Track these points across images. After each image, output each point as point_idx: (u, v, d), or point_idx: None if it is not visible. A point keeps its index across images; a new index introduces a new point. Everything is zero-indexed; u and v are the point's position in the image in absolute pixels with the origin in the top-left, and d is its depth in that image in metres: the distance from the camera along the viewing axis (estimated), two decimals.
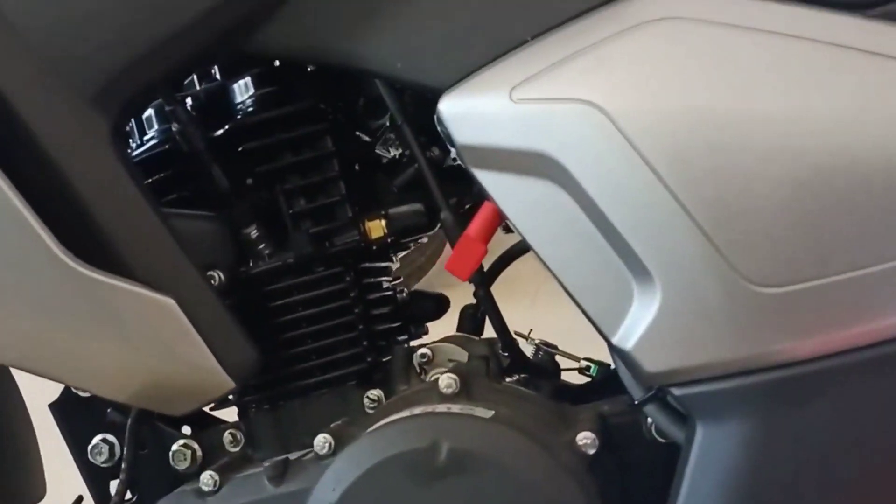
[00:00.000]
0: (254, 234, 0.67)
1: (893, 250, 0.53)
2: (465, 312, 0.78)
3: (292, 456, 0.64)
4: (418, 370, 0.70)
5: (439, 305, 0.78)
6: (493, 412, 0.59)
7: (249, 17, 0.60)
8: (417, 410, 0.59)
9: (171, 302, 0.58)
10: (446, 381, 0.61)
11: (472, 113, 0.57)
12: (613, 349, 0.56)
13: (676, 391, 0.55)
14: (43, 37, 0.58)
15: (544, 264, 0.58)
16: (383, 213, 0.69)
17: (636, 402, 0.58)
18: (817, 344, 0.53)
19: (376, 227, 0.69)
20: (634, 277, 0.55)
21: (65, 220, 0.58)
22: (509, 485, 0.56)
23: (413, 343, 0.74)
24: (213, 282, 0.65)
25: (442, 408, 0.59)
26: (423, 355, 0.70)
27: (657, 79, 0.54)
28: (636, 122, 0.53)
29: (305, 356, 0.68)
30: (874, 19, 0.54)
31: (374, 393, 0.69)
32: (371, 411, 0.68)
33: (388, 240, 0.69)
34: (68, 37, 0.58)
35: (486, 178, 0.57)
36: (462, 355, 0.70)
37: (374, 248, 0.69)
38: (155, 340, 0.59)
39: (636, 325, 0.55)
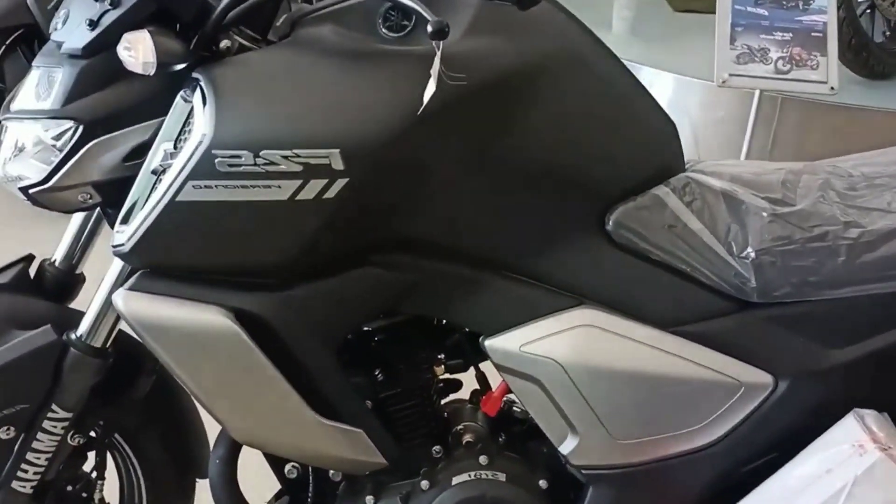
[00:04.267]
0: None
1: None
2: None
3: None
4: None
5: None
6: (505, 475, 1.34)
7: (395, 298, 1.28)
8: (469, 476, 1.33)
9: (361, 432, 1.29)
10: (483, 459, 1.35)
11: (500, 351, 1.29)
12: None
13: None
14: None
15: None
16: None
17: None
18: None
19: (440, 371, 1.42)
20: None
21: (305, 394, 1.26)
22: None
23: None
24: (369, 406, 1.36)
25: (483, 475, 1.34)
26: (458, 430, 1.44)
27: (585, 350, 1.26)
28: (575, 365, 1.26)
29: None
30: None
31: (437, 447, 1.42)
32: (437, 455, 1.41)
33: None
34: None
35: (507, 378, 1.29)
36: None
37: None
38: (351, 448, 1.30)
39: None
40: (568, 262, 1.27)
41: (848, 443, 1.16)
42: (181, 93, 1.21)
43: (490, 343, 1.29)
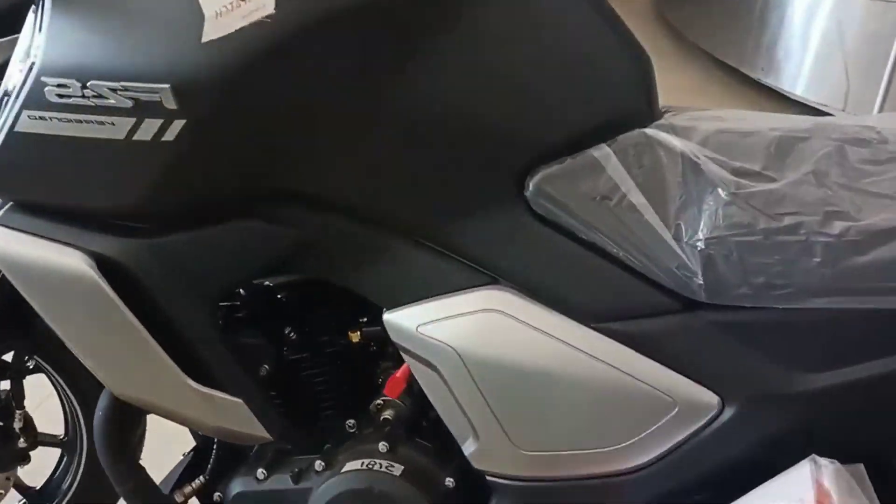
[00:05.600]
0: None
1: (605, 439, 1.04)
2: None
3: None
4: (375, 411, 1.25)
5: None
6: (403, 468, 1.15)
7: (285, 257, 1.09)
8: (361, 464, 1.15)
9: (241, 402, 1.13)
10: (382, 446, 1.16)
11: (396, 328, 1.08)
12: None
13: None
14: None
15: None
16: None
17: None
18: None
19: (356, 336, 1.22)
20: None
21: (180, 356, 1.11)
22: None
23: None
24: (263, 372, 1.20)
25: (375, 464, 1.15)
26: (377, 404, 1.25)
27: (487, 339, 1.03)
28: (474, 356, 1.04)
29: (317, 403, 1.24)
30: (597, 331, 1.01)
31: (351, 421, 1.25)
32: (351, 429, 1.24)
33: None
34: None
35: (407, 360, 1.09)
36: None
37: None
38: (232, 419, 1.15)
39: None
40: (481, 232, 1.03)
41: (788, 499, 0.89)
42: (33, 6, 1.04)
43: (388, 318, 1.08)
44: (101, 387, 1.42)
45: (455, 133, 0.99)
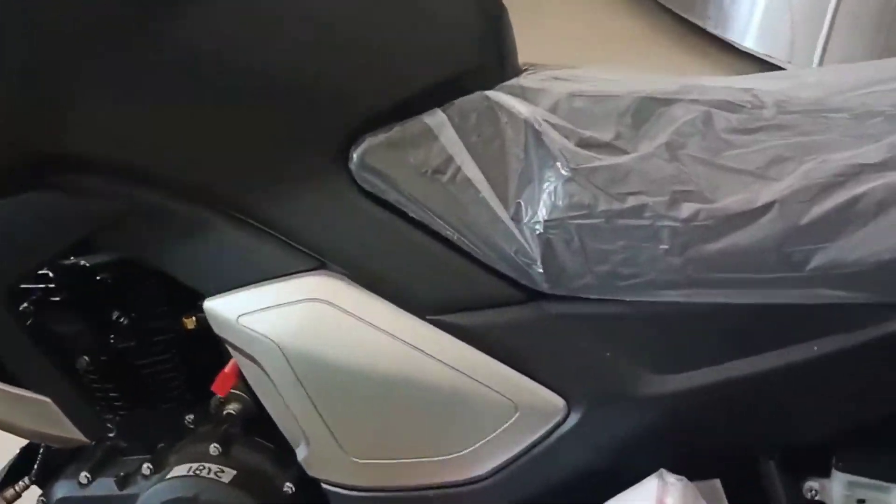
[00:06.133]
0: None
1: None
2: None
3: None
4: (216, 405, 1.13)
5: None
6: (235, 473, 1.03)
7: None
8: (188, 470, 1.03)
9: (48, 402, 1.01)
10: (213, 448, 1.04)
11: (216, 318, 0.95)
12: None
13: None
14: None
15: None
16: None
17: None
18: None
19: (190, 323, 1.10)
20: None
21: None
22: None
23: None
24: (81, 364, 1.07)
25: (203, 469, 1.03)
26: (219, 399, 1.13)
27: (311, 332, 0.91)
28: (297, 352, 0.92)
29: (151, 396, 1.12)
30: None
31: (189, 416, 1.13)
32: (190, 426, 1.12)
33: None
34: None
35: (232, 353, 0.96)
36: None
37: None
38: (42, 420, 1.02)
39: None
40: (303, 209, 0.90)
41: None
42: None
43: (208, 306, 0.95)
44: None
45: (261, 91, 0.85)
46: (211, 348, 1.14)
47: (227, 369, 1.02)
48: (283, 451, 1.06)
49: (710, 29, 3.56)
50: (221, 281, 0.95)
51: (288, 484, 1.04)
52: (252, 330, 0.93)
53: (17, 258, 0.97)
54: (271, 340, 0.92)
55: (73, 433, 1.03)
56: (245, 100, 0.87)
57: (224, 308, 0.94)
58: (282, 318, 0.91)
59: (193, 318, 1.08)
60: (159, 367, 1.11)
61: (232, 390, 1.10)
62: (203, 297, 1.06)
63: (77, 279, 1.07)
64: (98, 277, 1.07)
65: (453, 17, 0.88)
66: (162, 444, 1.10)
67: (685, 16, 3.72)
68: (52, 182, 0.92)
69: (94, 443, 1.06)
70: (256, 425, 1.09)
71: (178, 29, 0.82)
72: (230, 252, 0.94)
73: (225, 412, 1.08)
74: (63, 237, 0.96)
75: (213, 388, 1.04)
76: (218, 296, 0.95)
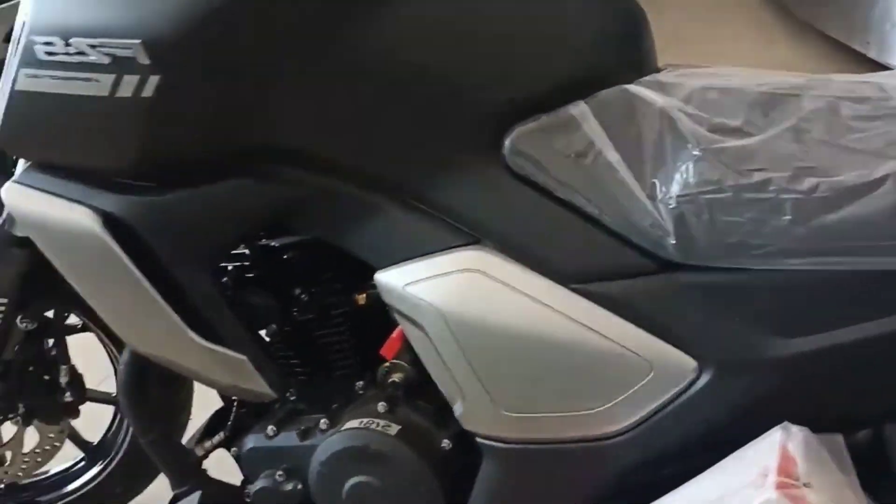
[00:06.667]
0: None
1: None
2: None
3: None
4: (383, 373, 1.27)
5: None
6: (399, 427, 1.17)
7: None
8: (359, 423, 1.17)
9: (245, 359, 1.18)
10: (381, 406, 1.18)
11: (385, 287, 1.10)
12: None
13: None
14: None
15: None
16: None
17: None
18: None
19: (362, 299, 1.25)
20: None
21: (186, 313, 1.16)
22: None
23: None
24: (270, 331, 1.24)
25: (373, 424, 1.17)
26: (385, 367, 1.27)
27: (468, 299, 1.03)
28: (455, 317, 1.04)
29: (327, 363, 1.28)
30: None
31: (359, 383, 1.27)
32: (360, 391, 1.27)
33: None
34: None
35: (398, 319, 1.10)
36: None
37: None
38: (239, 375, 1.19)
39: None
40: (462, 191, 1.03)
41: (756, 466, 0.86)
42: None
43: (379, 277, 1.10)
44: None
45: (428, 87, 1.00)
46: (377, 322, 1.29)
47: (393, 335, 1.17)
48: (441, 412, 1.19)
49: (872, 55, 3.49)
50: (391, 255, 1.09)
51: (445, 440, 1.17)
52: (416, 297, 1.06)
53: (217, 236, 1.15)
54: (433, 305, 1.05)
55: (263, 388, 1.20)
56: (413, 98, 1.01)
57: (392, 279, 1.09)
58: (442, 286, 1.05)
59: (364, 295, 1.24)
60: (334, 339, 1.27)
61: (396, 361, 1.25)
62: (372, 276, 1.23)
63: (267, 258, 1.25)
64: (285, 257, 1.24)
65: (597, 18, 0.99)
66: (336, 405, 1.25)
67: (844, 41, 3.65)
68: (250, 170, 1.10)
69: (277, 399, 1.23)
70: (418, 390, 1.23)
71: (369, 33, 0.98)
72: (399, 230, 1.08)
73: (390, 380, 1.23)
74: (255, 219, 1.14)
75: (382, 351, 1.18)
76: (387, 268, 1.10)
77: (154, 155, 1.07)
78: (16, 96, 1.07)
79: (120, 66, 0.99)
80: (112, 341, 1.54)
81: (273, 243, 1.24)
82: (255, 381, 1.19)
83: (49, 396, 1.51)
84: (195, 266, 1.14)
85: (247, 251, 1.24)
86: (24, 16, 1.04)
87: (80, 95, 1.03)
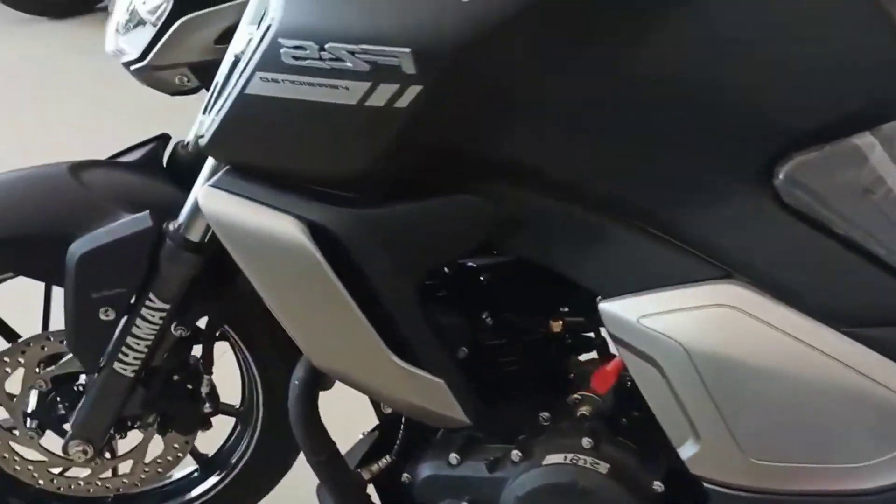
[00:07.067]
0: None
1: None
2: None
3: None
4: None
5: None
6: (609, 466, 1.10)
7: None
8: (564, 458, 1.10)
9: (442, 383, 1.11)
10: (586, 442, 1.11)
11: (614, 318, 1.03)
12: None
13: None
14: None
15: None
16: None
17: None
18: None
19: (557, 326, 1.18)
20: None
21: (383, 331, 1.09)
22: None
23: None
24: (461, 354, 1.16)
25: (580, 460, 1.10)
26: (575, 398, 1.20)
27: (719, 335, 0.97)
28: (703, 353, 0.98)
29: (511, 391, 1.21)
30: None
31: (545, 414, 1.20)
32: (545, 422, 1.19)
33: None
34: None
35: (622, 353, 1.03)
36: None
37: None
38: (432, 399, 1.12)
39: None
40: (717, 222, 0.96)
41: None
42: None
43: (605, 307, 1.03)
44: (283, 361, 1.44)
45: (695, 113, 0.93)
46: (564, 351, 1.23)
47: (608, 367, 1.10)
48: (648, 450, 1.13)
49: None
50: (621, 284, 1.02)
51: (657, 482, 1.10)
52: (654, 330, 0.99)
53: (432, 253, 1.08)
54: (675, 341, 0.98)
55: (458, 414, 1.12)
56: (678, 124, 0.94)
57: (624, 309, 1.01)
58: (688, 321, 0.98)
59: (560, 322, 1.17)
60: (522, 366, 1.20)
61: (587, 393, 1.18)
62: (569, 302, 1.16)
63: (464, 278, 1.17)
64: (481, 278, 1.17)
65: (883, 47, 0.93)
66: (524, 436, 1.18)
67: None
68: (475, 185, 1.03)
69: (469, 425, 1.15)
70: (616, 426, 1.16)
71: (635, 67, 0.91)
72: (634, 258, 1.01)
73: (579, 412, 1.16)
74: (475, 236, 1.06)
75: (594, 383, 1.11)
76: (616, 298, 1.02)
77: (388, 166, 1.00)
78: (244, 100, 1.00)
79: (379, 74, 0.92)
80: (255, 359, 1.47)
81: (469, 262, 1.17)
82: (451, 407, 1.12)
83: (190, 406, 1.43)
84: (402, 283, 1.07)
85: (446, 269, 1.17)
86: (270, 19, 0.97)
87: (323, 102, 0.96)
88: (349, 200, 1.05)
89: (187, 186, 1.40)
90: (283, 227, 1.05)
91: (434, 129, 0.97)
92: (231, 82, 1.02)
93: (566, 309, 1.17)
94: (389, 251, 1.06)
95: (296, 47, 0.95)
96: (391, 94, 0.93)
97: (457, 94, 0.94)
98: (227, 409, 1.56)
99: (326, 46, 0.94)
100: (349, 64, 0.93)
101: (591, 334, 1.20)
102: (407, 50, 0.90)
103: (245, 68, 1.00)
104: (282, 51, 0.96)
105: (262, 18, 1.03)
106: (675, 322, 0.98)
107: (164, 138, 1.42)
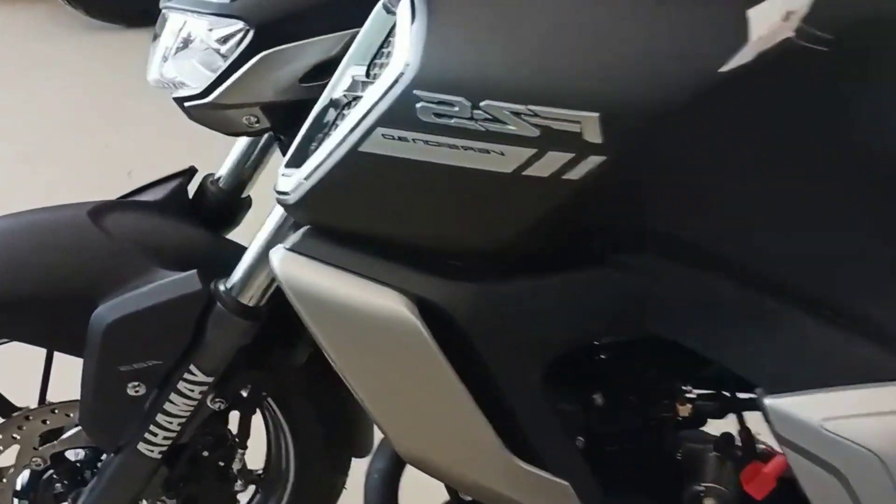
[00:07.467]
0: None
1: None
2: None
3: None
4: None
5: None
6: None
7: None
8: None
9: (567, 486, 0.94)
10: None
11: (787, 418, 0.88)
12: None
13: None
14: None
15: None
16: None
17: None
18: None
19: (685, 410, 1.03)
20: None
21: (503, 427, 0.93)
22: None
23: None
24: (579, 446, 1.00)
25: None
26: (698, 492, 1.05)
27: None
28: None
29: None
30: None
31: None
32: None
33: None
34: None
35: (792, 459, 0.88)
36: None
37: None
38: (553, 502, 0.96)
39: None
40: None
41: None
42: None
43: (773, 403, 0.87)
44: (324, 433, 1.26)
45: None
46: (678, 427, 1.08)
47: (766, 470, 0.95)
48: None
49: None
50: (790, 379, 0.88)
51: None
52: (839, 436, 0.85)
53: (564, 333, 0.92)
54: (867, 450, 0.84)
55: None
56: (881, 193, 0.81)
57: (799, 409, 0.86)
58: (884, 427, 0.84)
59: (688, 406, 1.02)
60: (640, 454, 1.04)
61: (711, 485, 1.03)
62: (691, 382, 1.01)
63: (584, 358, 1.01)
64: (602, 356, 1.01)
65: None
66: None
67: None
68: (616, 261, 0.88)
69: None
70: None
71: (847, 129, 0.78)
72: (809, 349, 0.87)
73: None
74: (606, 319, 0.91)
75: (748, 488, 0.97)
76: (787, 394, 0.88)
77: (532, 240, 0.83)
78: (356, 157, 0.82)
79: (550, 140, 0.76)
80: (293, 433, 1.28)
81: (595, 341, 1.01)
82: None
83: (220, 486, 1.23)
84: (528, 369, 0.91)
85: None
86: (402, 66, 0.78)
87: (464, 168, 0.79)
88: (466, 274, 0.89)
89: (219, 226, 1.21)
90: (384, 302, 0.89)
91: (605, 204, 0.81)
92: (336, 135, 0.84)
93: (688, 388, 1.03)
94: (515, 332, 0.90)
95: (440, 102, 0.77)
96: (561, 164, 0.77)
97: (640, 167, 0.78)
98: (250, 477, 1.36)
99: (482, 104, 0.76)
100: (512, 127, 0.76)
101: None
102: (594, 115, 0.74)
103: (361, 121, 0.81)
104: (419, 105, 0.78)
105: (373, 60, 0.85)
106: (866, 427, 0.84)
107: (190, 172, 1.21)
